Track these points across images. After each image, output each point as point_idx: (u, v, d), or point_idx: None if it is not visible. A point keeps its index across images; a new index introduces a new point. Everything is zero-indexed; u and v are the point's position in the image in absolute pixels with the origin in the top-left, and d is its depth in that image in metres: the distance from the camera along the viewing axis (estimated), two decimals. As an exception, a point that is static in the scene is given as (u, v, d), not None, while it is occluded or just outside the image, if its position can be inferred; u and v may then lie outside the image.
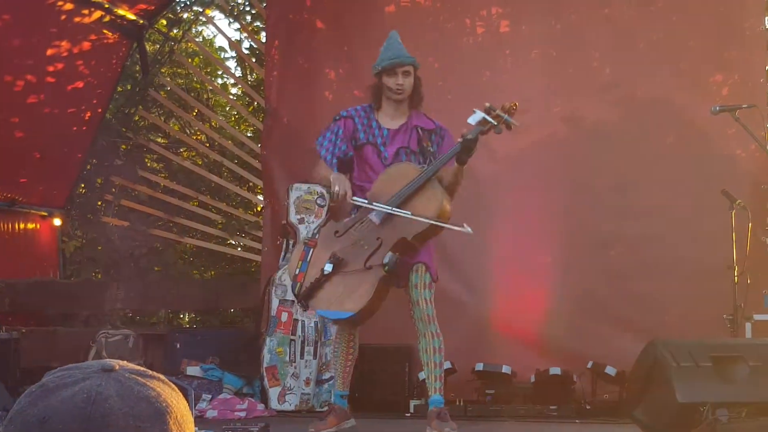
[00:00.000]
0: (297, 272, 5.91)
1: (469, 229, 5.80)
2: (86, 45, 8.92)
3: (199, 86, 11.95)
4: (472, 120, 5.84)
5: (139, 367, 1.32)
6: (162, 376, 1.32)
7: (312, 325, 8.01)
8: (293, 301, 8.01)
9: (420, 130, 6.15)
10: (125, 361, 1.31)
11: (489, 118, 5.81)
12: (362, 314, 5.74)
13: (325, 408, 7.04)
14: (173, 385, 1.33)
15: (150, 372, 1.32)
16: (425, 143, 6.10)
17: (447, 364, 6.18)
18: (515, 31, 9.12)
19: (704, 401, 5.34)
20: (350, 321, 5.84)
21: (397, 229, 5.82)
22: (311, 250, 5.95)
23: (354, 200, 5.87)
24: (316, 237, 6.07)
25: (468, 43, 9.18)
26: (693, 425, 5.29)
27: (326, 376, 7.92)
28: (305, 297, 5.80)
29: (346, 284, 5.77)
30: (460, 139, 5.79)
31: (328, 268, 5.78)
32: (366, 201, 5.88)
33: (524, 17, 9.14)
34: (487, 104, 5.89)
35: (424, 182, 5.88)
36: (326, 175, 6.01)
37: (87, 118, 9.35)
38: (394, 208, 5.80)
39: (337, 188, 5.83)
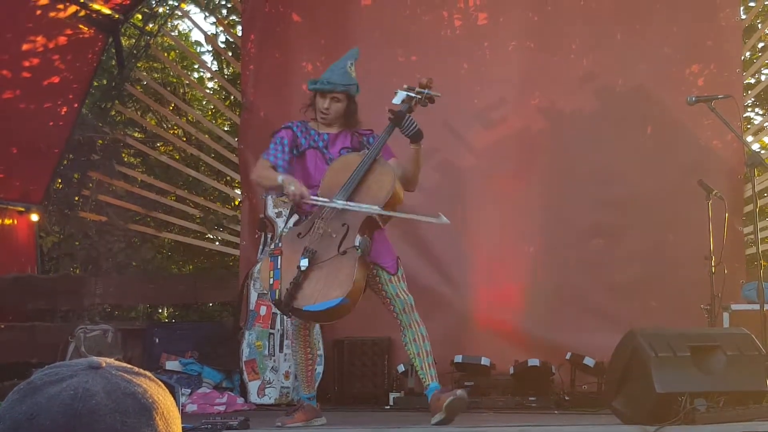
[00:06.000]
0: (272, 282, 5.83)
1: (446, 219, 5.88)
2: (62, 40, 8.86)
3: (175, 80, 11.90)
4: (397, 100, 6.04)
5: (125, 365, 1.33)
6: (149, 373, 1.34)
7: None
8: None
9: (357, 134, 6.21)
10: (112, 359, 1.32)
11: (412, 94, 6.01)
12: (351, 296, 5.69)
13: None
14: (160, 382, 1.34)
15: (137, 369, 1.33)
16: (364, 143, 6.18)
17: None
18: (493, 24, 9.12)
19: (682, 391, 5.37)
20: (341, 307, 5.76)
21: (360, 210, 5.86)
22: (278, 258, 5.90)
23: (312, 199, 5.87)
24: (279, 246, 6.02)
25: (446, 36, 9.16)
26: (671, 415, 5.32)
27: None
28: (288, 299, 5.71)
29: (326, 274, 5.74)
30: (390, 116, 5.98)
31: (304, 262, 5.73)
32: (325, 199, 5.88)
33: (502, 9, 9.15)
34: (405, 85, 6.11)
35: (372, 163, 5.96)
36: (274, 177, 5.97)
37: (63, 113, 9.30)
38: (358, 204, 5.85)
39: (292, 188, 5.79)
